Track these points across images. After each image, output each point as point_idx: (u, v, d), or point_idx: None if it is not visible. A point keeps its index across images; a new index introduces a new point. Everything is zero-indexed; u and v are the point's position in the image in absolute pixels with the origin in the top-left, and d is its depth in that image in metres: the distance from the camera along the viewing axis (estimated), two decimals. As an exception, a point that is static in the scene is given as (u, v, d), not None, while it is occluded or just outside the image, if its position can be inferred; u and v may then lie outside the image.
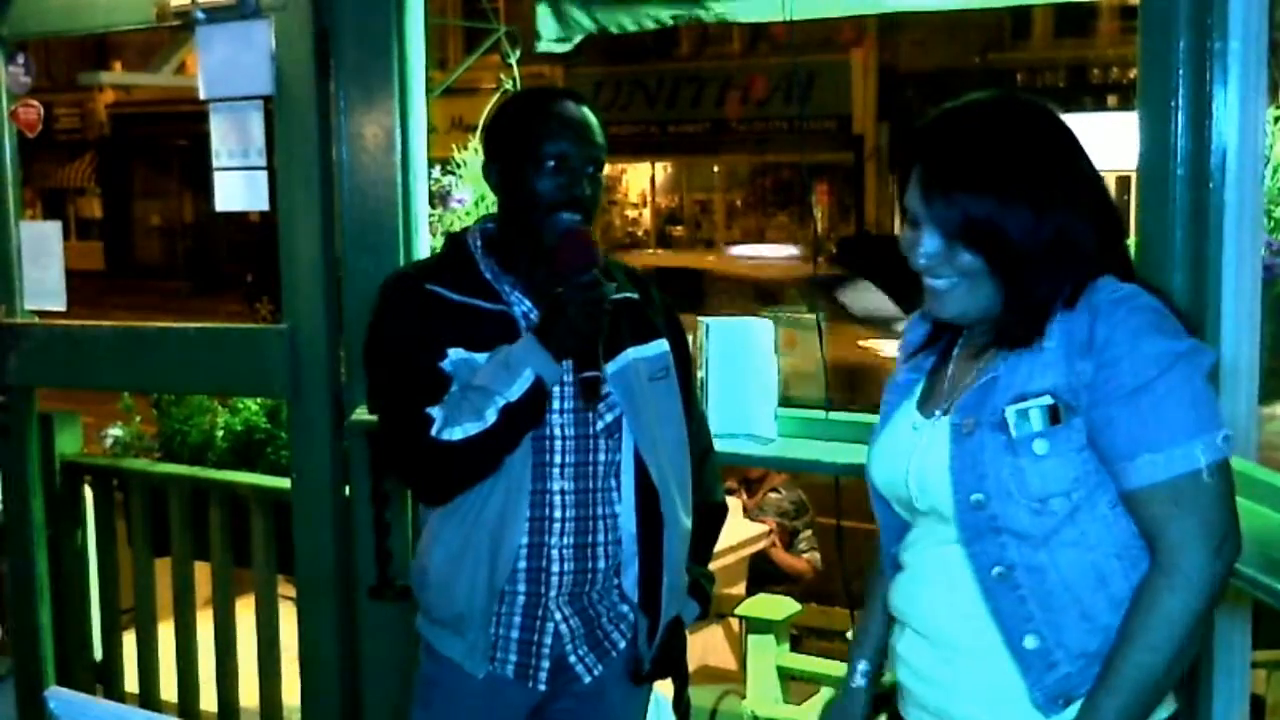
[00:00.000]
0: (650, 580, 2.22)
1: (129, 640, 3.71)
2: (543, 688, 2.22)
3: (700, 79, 19.99)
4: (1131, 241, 2.50)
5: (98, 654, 3.80)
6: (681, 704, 2.88)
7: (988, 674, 1.64)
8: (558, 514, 2.16)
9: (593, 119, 2.22)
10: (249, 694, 3.51)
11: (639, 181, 22.16)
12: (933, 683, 1.71)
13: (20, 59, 3.58)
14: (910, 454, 1.71)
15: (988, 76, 16.96)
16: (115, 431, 4.30)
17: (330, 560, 3.12)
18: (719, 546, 5.36)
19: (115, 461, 3.99)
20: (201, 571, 3.59)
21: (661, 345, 2.25)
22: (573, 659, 2.22)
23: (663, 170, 22.15)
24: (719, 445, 2.83)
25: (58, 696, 1.75)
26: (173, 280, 23.75)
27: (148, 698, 3.66)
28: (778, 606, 4.05)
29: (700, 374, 2.91)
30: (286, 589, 3.46)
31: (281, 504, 3.32)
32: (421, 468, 2.15)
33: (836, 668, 1.98)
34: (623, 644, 2.26)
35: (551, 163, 2.15)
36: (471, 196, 3.26)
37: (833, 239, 17.85)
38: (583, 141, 2.18)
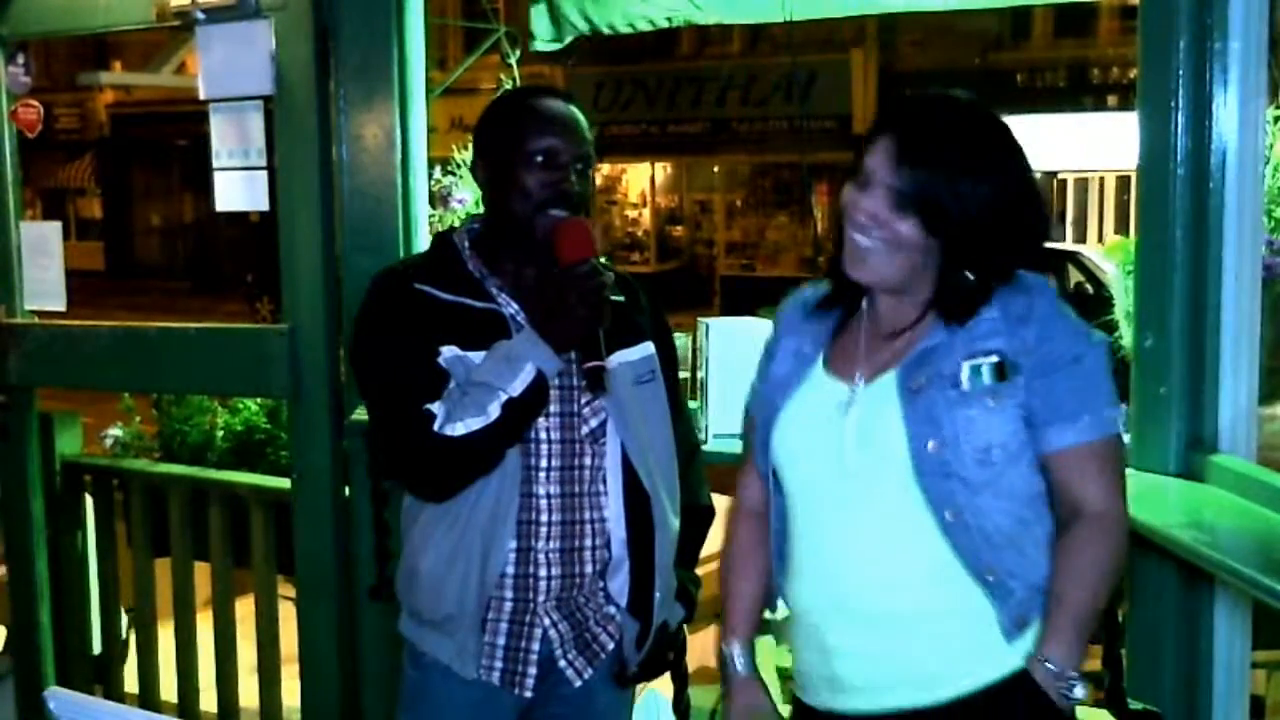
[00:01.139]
0: (641, 585, 2.21)
1: (129, 640, 3.71)
2: (529, 694, 2.20)
3: (700, 79, 20.00)
4: (1131, 241, 2.51)
5: (97, 653, 3.80)
6: (682, 704, 2.88)
7: (954, 624, 1.75)
8: (543, 518, 2.15)
9: (579, 116, 2.20)
10: (249, 694, 3.51)
11: (639, 181, 22.16)
12: (887, 657, 1.78)
13: (20, 59, 3.58)
14: (842, 418, 1.80)
15: (987, 76, 16.99)
16: (115, 431, 4.30)
17: (330, 560, 3.12)
18: (718, 546, 5.35)
19: (115, 461, 3.99)
20: (201, 571, 3.59)
21: (647, 348, 2.24)
22: (562, 663, 2.21)
23: (663, 170, 22.15)
24: (719, 445, 2.84)
25: (58, 696, 1.75)
26: (173, 280, 23.77)
27: (148, 698, 3.66)
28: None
29: (700, 374, 2.91)
30: (286, 589, 3.46)
31: (281, 504, 3.32)
32: (423, 465, 2.13)
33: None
34: (610, 646, 2.25)
35: (540, 158, 2.14)
36: (472, 197, 3.27)
37: (833, 239, 17.84)
38: (570, 137, 2.16)
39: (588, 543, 2.18)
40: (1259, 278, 2.38)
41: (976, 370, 1.73)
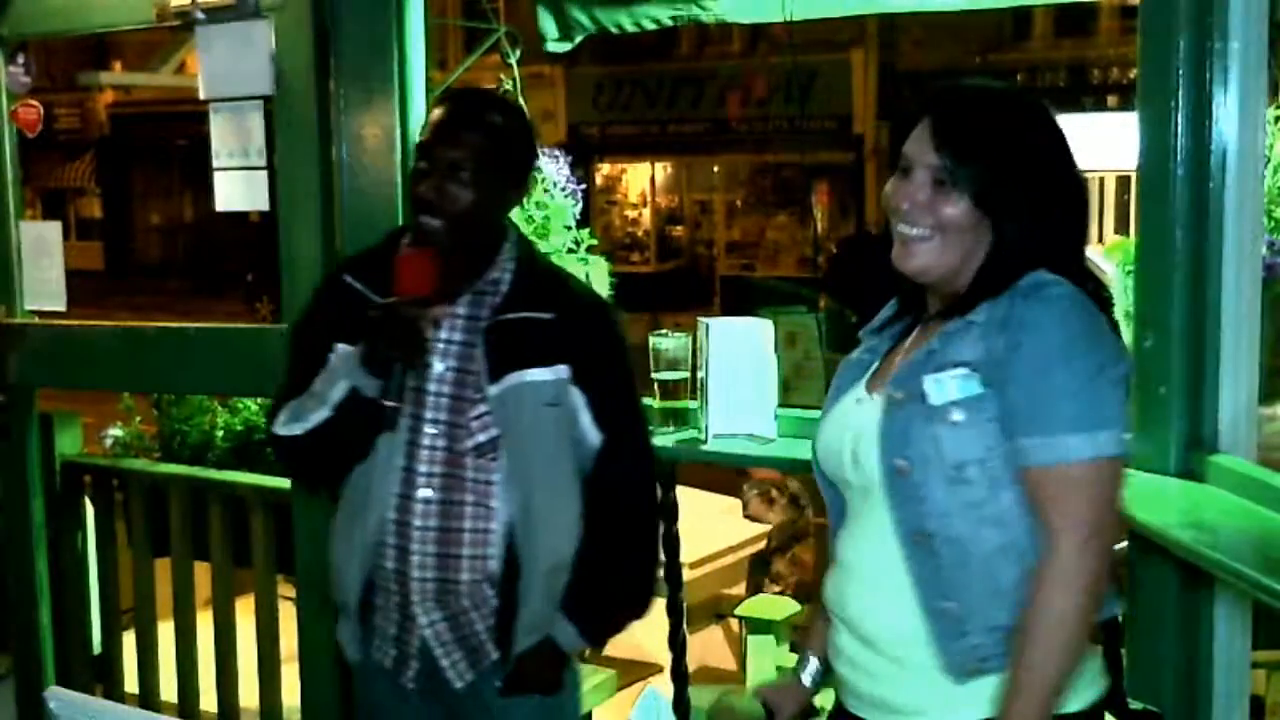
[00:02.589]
0: (504, 610, 2.21)
1: (129, 640, 3.71)
2: (411, 685, 2.25)
3: (700, 79, 19.98)
4: (1131, 241, 2.50)
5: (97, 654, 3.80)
6: (682, 704, 2.88)
7: (915, 658, 1.67)
8: (418, 521, 2.17)
9: (469, 118, 2.17)
10: (249, 694, 3.51)
11: (639, 181, 22.15)
12: (868, 673, 1.74)
13: (20, 59, 3.58)
14: (849, 428, 1.76)
15: (988, 77, 16.95)
16: (115, 431, 4.29)
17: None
18: (718, 547, 5.35)
19: (115, 461, 3.98)
20: (201, 571, 3.59)
21: (559, 371, 2.20)
22: (445, 663, 2.23)
23: (663, 170, 22.14)
24: (719, 445, 2.84)
25: (58, 696, 1.75)
26: (173, 280, 23.76)
27: (148, 698, 3.66)
28: (778, 606, 4.05)
29: (700, 374, 2.91)
30: (286, 589, 3.46)
31: (281, 504, 3.32)
32: (276, 456, 2.32)
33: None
34: (495, 656, 2.24)
35: (423, 163, 2.17)
36: (471, 196, 3.26)
37: (833, 239, 17.86)
38: (442, 140, 2.15)
39: (465, 552, 2.18)
40: (1259, 278, 2.38)
41: (940, 384, 1.63)
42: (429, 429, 2.18)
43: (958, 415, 1.62)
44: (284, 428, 2.20)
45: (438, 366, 2.19)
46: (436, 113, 2.21)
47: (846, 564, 1.78)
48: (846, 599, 1.77)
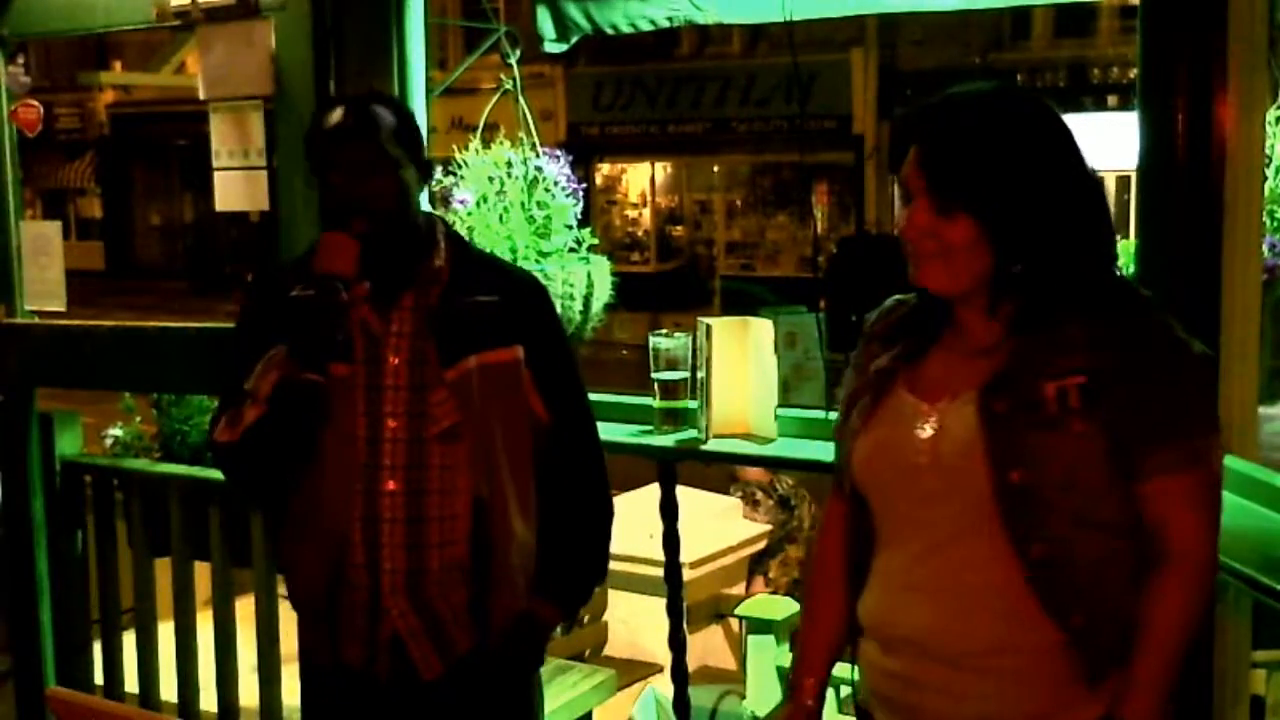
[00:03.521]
0: (478, 592, 2.23)
1: (129, 640, 3.71)
2: (382, 682, 2.25)
3: (700, 79, 19.98)
4: (1131, 241, 2.50)
5: (98, 654, 3.79)
6: (682, 704, 2.88)
7: (1033, 667, 1.65)
8: (387, 514, 2.18)
9: (361, 116, 2.19)
10: (249, 694, 3.50)
11: (639, 181, 22.14)
12: (968, 696, 1.68)
13: (20, 59, 3.58)
14: (920, 438, 1.70)
15: (988, 76, 16.93)
16: (115, 431, 4.29)
17: (330, 560, 3.12)
18: (718, 547, 5.35)
19: (115, 461, 3.98)
20: (201, 571, 3.59)
21: (514, 353, 2.24)
22: (416, 654, 2.24)
23: (663, 170, 22.13)
24: (719, 445, 2.84)
25: (58, 696, 1.75)
26: (173, 280, 23.76)
27: (148, 698, 3.66)
28: (778, 606, 4.05)
29: (700, 374, 2.91)
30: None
31: (281, 504, 3.32)
32: (218, 466, 2.30)
33: (837, 668, 1.94)
34: (466, 645, 2.25)
35: (331, 167, 2.20)
36: (473, 197, 3.26)
37: (833, 239, 17.86)
38: (345, 140, 2.19)
39: (433, 540, 2.20)
40: (1259, 278, 2.38)
41: (1062, 393, 1.61)
42: (390, 422, 2.19)
43: (1077, 425, 1.61)
44: (224, 433, 2.20)
45: (391, 360, 2.20)
46: (329, 118, 2.21)
47: (913, 584, 1.72)
48: (921, 622, 1.70)
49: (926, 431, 1.70)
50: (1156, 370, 1.62)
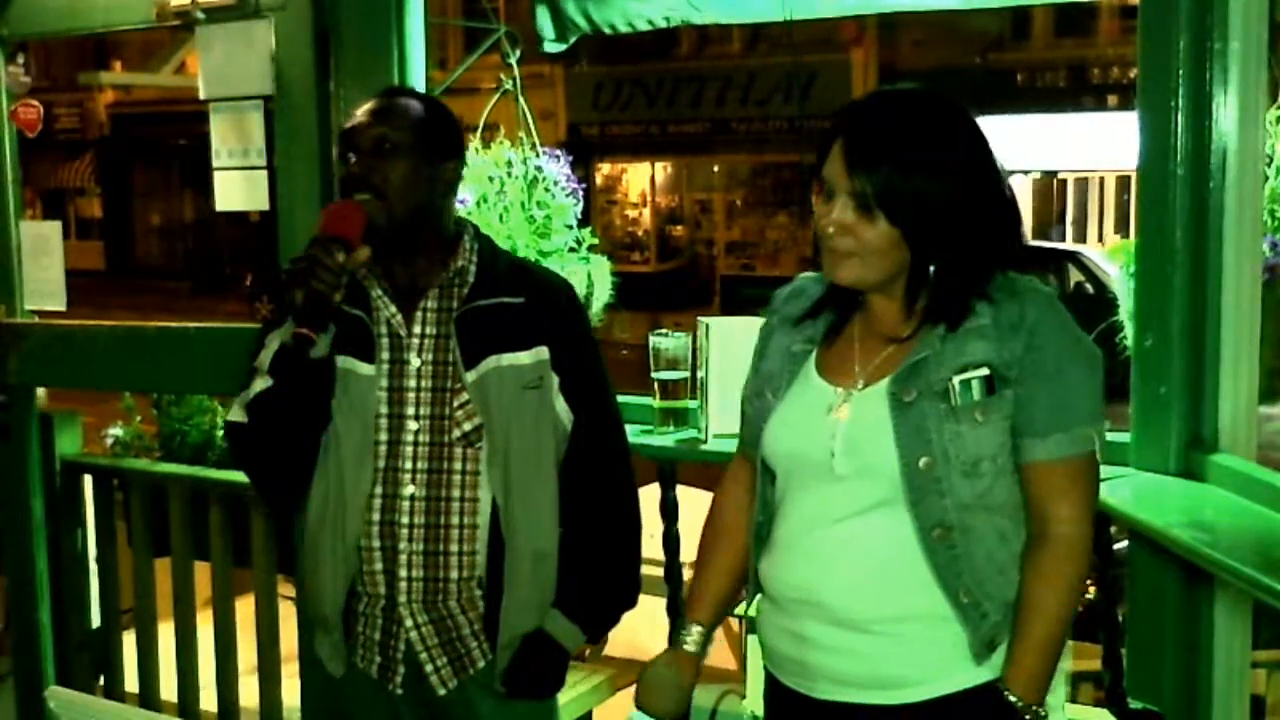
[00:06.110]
0: (492, 612, 2.19)
1: (129, 640, 3.71)
2: (399, 691, 2.21)
3: (700, 79, 19.98)
4: (1131, 241, 2.50)
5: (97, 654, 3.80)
6: (681, 704, 2.88)
7: (925, 634, 1.76)
8: (406, 519, 2.15)
9: (388, 101, 2.21)
10: (249, 694, 3.51)
11: (639, 181, 22.15)
12: (855, 655, 1.78)
13: (20, 59, 3.58)
14: (833, 423, 1.79)
15: (988, 76, 16.99)
16: (115, 431, 4.30)
17: (330, 560, 3.12)
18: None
19: (115, 461, 3.99)
20: (201, 571, 3.59)
21: (540, 353, 2.19)
22: (429, 668, 2.20)
23: (663, 170, 22.14)
24: (719, 445, 2.83)
25: (58, 696, 1.75)
26: (173, 280, 23.76)
27: (148, 698, 3.66)
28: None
29: (700, 374, 2.91)
30: (286, 589, 3.46)
31: (281, 504, 3.32)
32: (233, 455, 2.31)
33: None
34: (483, 661, 2.21)
35: (349, 150, 2.20)
36: (474, 197, 3.26)
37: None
38: (362, 122, 2.19)
39: (454, 548, 2.16)
40: (1259, 278, 2.38)
41: (966, 385, 1.72)
42: (412, 424, 2.16)
43: (980, 415, 1.72)
44: (233, 415, 2.19)
45: (414, 361, 2.18)
46: (361, 108, 2.22)
47: (815, 552, 1.80)
48: (821, 586, 1.78)
49: (838, 417, 1.79)
50: (1050, 364, 1.72)
